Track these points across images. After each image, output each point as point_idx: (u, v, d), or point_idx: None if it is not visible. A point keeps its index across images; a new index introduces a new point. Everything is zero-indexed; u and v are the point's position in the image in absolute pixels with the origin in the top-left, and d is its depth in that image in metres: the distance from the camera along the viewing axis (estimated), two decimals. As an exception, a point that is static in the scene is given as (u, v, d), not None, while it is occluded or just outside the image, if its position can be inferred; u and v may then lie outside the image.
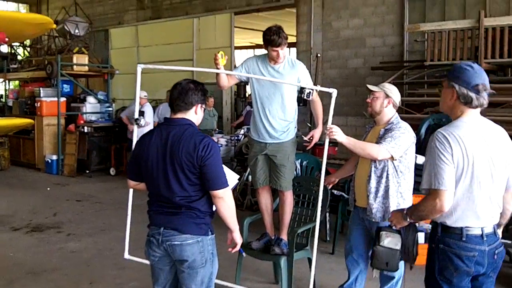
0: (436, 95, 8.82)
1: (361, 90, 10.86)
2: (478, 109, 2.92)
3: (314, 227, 4.47)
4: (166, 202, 3.20)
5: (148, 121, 11.54)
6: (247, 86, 16.03)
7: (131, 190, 4.56)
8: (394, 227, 3.19)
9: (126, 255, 4.62)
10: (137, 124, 4.58)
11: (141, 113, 9.54)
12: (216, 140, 10.63)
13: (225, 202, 3.18)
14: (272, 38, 4.56)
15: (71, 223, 7.79)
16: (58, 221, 7.92)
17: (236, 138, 10.42)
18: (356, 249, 4.56)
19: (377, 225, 4.24)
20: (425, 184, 2.84)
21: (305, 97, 4.44)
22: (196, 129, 3.25)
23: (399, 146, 4.14)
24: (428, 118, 7.27)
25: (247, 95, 16.42)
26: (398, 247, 3.16)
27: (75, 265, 5.94)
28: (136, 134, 4.81)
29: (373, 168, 4.24)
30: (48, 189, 10.62)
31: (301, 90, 4.44)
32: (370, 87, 4.40)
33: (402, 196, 4.17)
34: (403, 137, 4.16)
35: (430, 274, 2.96)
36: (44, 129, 12.40)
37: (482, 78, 2.88)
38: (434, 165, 2.78)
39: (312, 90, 4.42)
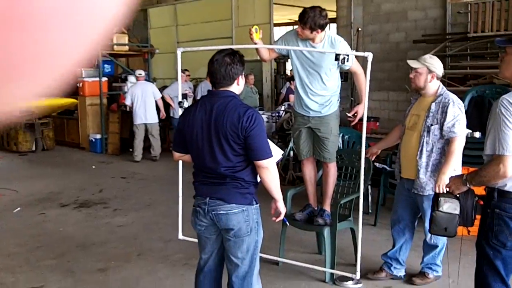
0: (478, 67, 8.67)
1: (402, 64, 10.70)
2: None
3: (357, 198, 4.51)
4: (211, 173, 3.25)
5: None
6: (286, 63, 16.05)
7: (180, 167, 4.66)
8: (452, 193, 3.21)
9: (180, 236, 4.72)
10: (181, 107, 4.65)
11: (184, 96, 9.66)
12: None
13: (269, 172, 3.22)
14: (300, 16, 4.55)
15: (117, 199, 7.99)
16: (104, 197, 8.13)
17: (277, 114, 10.44)
18: (402, 219, 4.60)
19: (425, 197, 4.27)
20: (488, 149, 2.85)
21: (340, 64, 4.41)
22: (239, 101, 3.28)
23: (464, 125, 4.22)
24: (471, 91, 7.16)
25: (287, 71, 16.40)
26: (457, 212, 3.18)
27: (122, 238, 6.11)
28: (178, 113, 4.91)
29: (424, 143, 4.25)
30: (93, 167, 10.87)
31: (336, 58, 4.38)
32: (411, 63, 4.37)
33: (455, 169, 4.18)
34: (462, 115, 4.22)
35: (484, 238, 2.99)
36: (87, 109, 12.62)
37: None
38: (499, 131, 2.78)
39: (347, 55, 4.38)
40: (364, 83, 4.77)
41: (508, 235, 2.88)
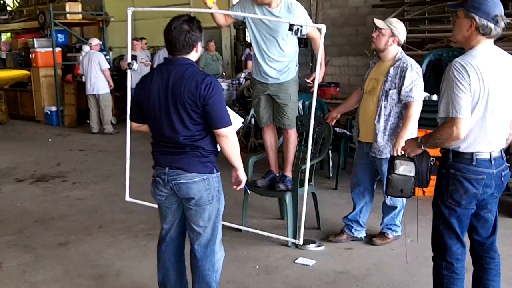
0: (436, 31, 8.76)
1: (362, 29, 10.75)
2: (493, 39, 2.93)
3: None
4: (170, 143, 3.19)
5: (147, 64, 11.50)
6: (246, 29, 15.87)
7: (128, 136, 4.56)
8: (407, 155, 3.25)
9: (127, 198, 4.67)
10: (130, 68, 4.51)
11: (134, 57, 9.44)
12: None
13: (229, 140, 3.18)
14: None
15: (75, 172, 7.85)
16: (62, 170, 7.98)
17: (237, 82, 10.37)
18: (362, 182, 4.67)
19: (383, 160, 4.33)
20: (442, 112, 2.87)
21: (293, 35, 4.37)
22: (197, 68, 3.20)
23: (421, 89, 4.27)
24: (429, 54, 7.26)
25: (247, 38, 16.27)
26: (413, 173, 3.24)
27: (83, 211, 6.02)
28: (130, 79, 4.76)
29: (382, 107, 4.30)
30: (50, 140, 10.64)
31: (290, 28, 4.32)
32: (377, 22, 4.38)
33: (412, 133, 4.24)
34: (420, 79, 4.28)
35: (439, 198, 3.06)
36: (41, 80, 12.27)
37: (499, 8, 2.87)
38: (452, 94, 2.81)
39: (301, 26, 4.33)
40: (322, 48, 4.74)
41: (462, 194, 2.95)
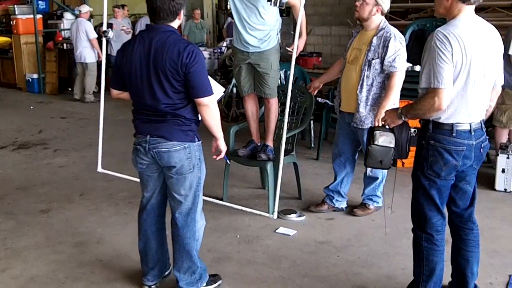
0: (420, 0, 8.73)
1: (344, -2, 10.70)
2: (474, 6, 2.90)
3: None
4: (151, 111, 3.18)
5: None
6: (228, -2, 15.74)
7: (102, 105, 4.50)
8: (387, 126, 3.24)
9: (99, 168, 4.60)
10: (105, 36, 4.43)
11: (109, 25, 9.26)
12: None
13: (210, 109, 3.17)
14: None
15: (57, 139, 7.80)
16: (44, 138, 7.92)
17: (219, 50, 10.29)
18: (343, 152, 4.69)
19: (365, 131, 4.34)
20: (424, 83, 2.85)
21: (272, 5, 4.34)
22: (179, 36, 3.17)
23: (404, 59, 4.27)
24: (412, 24, 7.25)
25: (228, 7, 16.12)
26: (392, 145, 3.21)
27: (64, 179, 6.00)
28: (106, 46, 4.65)
29: (365, 77, 4.29)
30: (31, 107, 10.52)
31: None
32: None
33: (394, 103, 4.25)
34: (403, 49, 4.27)
35: (419, 169, 3.05)
36: (22, 47, 12.04)
37: None
38: (434, 64, 2.78)
39: None
40: (303, 16, 4.72)
41: (442, 166, 2.94)
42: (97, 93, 11.05)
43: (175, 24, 3.19)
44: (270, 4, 4.33)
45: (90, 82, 10.86)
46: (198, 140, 3.30)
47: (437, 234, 3.10)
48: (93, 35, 10.56)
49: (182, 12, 3.19)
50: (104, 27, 4.61)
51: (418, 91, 3.00)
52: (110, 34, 4.45)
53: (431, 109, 2.85)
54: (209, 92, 3.15)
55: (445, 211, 3.17)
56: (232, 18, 12.77)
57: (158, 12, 3.10)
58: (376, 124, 4.13)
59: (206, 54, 10.53)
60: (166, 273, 3.71)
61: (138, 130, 3.30)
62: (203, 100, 3.13)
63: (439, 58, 2.77)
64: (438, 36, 2.80)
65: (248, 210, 4.85)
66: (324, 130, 6.72)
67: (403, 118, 3.11)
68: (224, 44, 10.57)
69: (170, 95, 3.11)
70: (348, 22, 9.78)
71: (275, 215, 4.64)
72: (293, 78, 6.48)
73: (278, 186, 4.58)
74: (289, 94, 4.41)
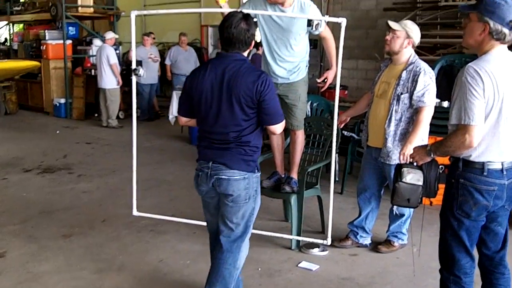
0: (448, 36, 8.69)
1: (372, 32, 10.69)
2: (507, 44, 2.84)
3: (328, 166, 4.47)
4: (217, 138, 3.25)
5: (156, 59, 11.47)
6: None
7: (134, 151, 4.50)
8: (415, 163, 3.17)
9: (135, 212, 4.60)
10: (136, 74, 4.41)
11: (139, 63, 9.35)
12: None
13: (280, 136, 3.35)
14: None
15: (81, 165, 7.85)
16: (69, 162, 7.97)
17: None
18: (369, 188, 4.61)
19: (392, 166, 4.27)
20: (454, 119, 2.78)
21: (313, 29, 4.37)
22: (251, 64, 3.26)
23: (433, 94, 4.20)
24: (441, 60, 7.21)
25: (257, 39, 16.20)
26: (420, 182, 3.13)
27: (87, 204, 6.01)
28: (135, 83, 4.65)
29: (393, 112, 4.23)
30: (58, 132, 10.64)
31: (308, 23, 4.37)
32: (391, 24, 4.30)
33: (422, 139, 4.18)
34: (433, 84, 4.21)
35: (448, 208, 2.96)
36: (51, 72, 12.29)
37: None
38: (465, 100, 2.72)
39: (320, 21, 4.32)
40: (334, 48, 4.72)
41: (472, 206, 2.86)
42: (122, 119, 11.22)
43: (246, 53, 3.27)
44: (311, 29, 4.35)
45: (112, 108, 10.98)
46: (258, 172, 3.35)
47: (466, 277, 3.00)
48: (113, 60, 10.71)
49: (253, 42, 3.27)
50: (134, 65, 4.59)
51: (447, 128, 2.94)
52: (141, 72, 4.43)
53: (461, 147, 2.77)
54: (281, 119, 3.27)
55: (475, 252, 3.07)
56: (257, 49, 12.96)
57: (233, 42, 3.18)
58: (402, 159, 4.05)
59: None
60: None
61: (201, 156, 3.36)
62: (275, 127, 3.26)
63: (470, 94, 2.71)
64: (469, 72, 2.74)
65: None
66: (349, 164, 6.65)
67: (432, 155, 3.03)
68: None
69: (240, 123, 3.18)
70: (375, 56, 9.76)
71: (328, 241, 4.37)
72: (319, 110, 6.52)
73: (330, 215, 4.41)
74: (336, 125, 4.31)
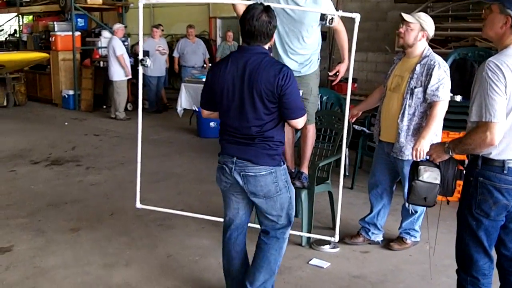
0: (461, 29, 8.57)
1: (382, 24, 10.58)
2: None
3: (338, 161, 4.41)
4: (240, 132, 3.20)
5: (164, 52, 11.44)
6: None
7: (139, 139, 4.49)
8: (432, 161, 3.07)
9: (138, 204, 4.59)
10: (143, 65, 4.37)
11: (146, 53, 9.29)
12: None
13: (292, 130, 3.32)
14: None
15: (89, 157, 7.81)
16: (77, 154, 7.94)
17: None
18: (380, 183, 4.53)
19: (405, 162, 4.19)
20: (474, 116, 2.69)
21: (327, 24, 4.28)
22: (273, 58, 3.21)
23: (448, 88, 4.09)
24: (453, 53, 7.10)
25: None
26: (438, 181, 3.03)
27: (95, 197, 5.97)
28: (142, 75, 4.62)
29: (407, 106, 4.13)
30: (66, 124, 10.62)
31: (322, 18, 4.28)
32: (405, 16, 4.19)
33: (436, 134, 4.10)
34: (447, 78, 4.10)
35: (466, 207, 2.87)
36: (59, 64, 12.28)
37: None
38: (486, 96, 2.62)
39: (334, 15, 4.23)
40: (346, 41, 4.64)
41: (491, 205, 2.77)
42: (130, 111, 11.17)
43: (267, 46, 3.21)
44: (325, 23, 4.27)
45: (119, 100, 10.93)
46: (284, 164, 3.32)
47: (484, 278, 2.91)
48: (120, 51, 10.65)
49: (274, 35, 3.24)
50: (141, 55, 4.53)
51: (463, 122, 2.85)
52: (148, 62, 4.38)
53: (482, 144, 2.68)
54: (302, 113, 3.22)
55: (493, 253, 2.97)
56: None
57: (256, 35, 3.13)
58: (414, 154, 3.97)
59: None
60: None
61: (224, 151, 3.32)
62: (297, 122, 3.22)
63: (491, 90, 2.61)
64: (490, 66, 2.64)
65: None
66: (359, 159, 6.57)
67: (450, 153, 2.94)
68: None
69: (262, 116, 3.14)
70: (385, 49, 9.66)
71: (336, 238, 4.34)
72: (329, 103, 6.43)
73: (339, 212, 4.35)
74: (347, 119, 4.26)
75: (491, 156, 2.75)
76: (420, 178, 3.04)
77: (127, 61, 10.84)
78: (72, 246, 4.62)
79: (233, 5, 4.54)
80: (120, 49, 10.67)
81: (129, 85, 11.40)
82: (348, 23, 4.19)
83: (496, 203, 2.76)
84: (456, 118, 5.26)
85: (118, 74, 10.73)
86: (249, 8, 3.17)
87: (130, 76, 10.88)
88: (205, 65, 12.10)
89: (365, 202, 5.54)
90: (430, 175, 3.03)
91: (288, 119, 3.20)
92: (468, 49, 7.23)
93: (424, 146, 3.95)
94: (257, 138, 3.17)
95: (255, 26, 3.09)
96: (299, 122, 3.23)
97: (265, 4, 3.23)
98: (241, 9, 4.59)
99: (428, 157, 3.12)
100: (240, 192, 3.33)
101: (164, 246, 4.63)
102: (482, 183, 2.78)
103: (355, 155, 6.61)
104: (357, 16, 3.91)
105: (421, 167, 3.06)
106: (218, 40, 14.96)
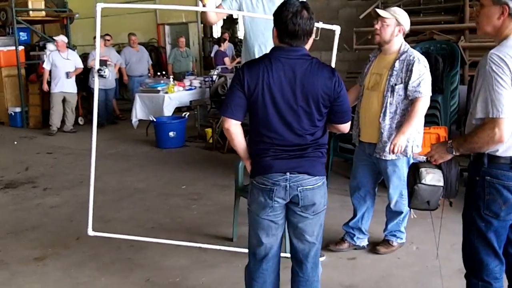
0: (415, 23, 8.54)
1: (334, 23, 10.45)
2: None
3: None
4: (289, 144, 2.83)
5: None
6: (213, 26, 15.46)
7: (93, 148, 4.22)
8: (433, 162, 2.90)
9: (90, 232, 4.31)
10: (100, 75, 4.10)
11: (103, 63, 8.93)
12: (189, 83, 10.23)
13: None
14: None
15: (45, 177, 7.40)
16: (32, 175, 7.51)
17: (210, 79, 10.01)
18: (363, 186, 4.37)
19: (388, 162, 4.06)
20: (480, 113, 2.53)
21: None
22: (318, 60, 2.85)
23: (429, 83, 3.99)
24: (415, 48, 7.02)
25: (214, 34, 15.91)
26: (441, 183, 2.85)
27: (57, 221, 5.60)
28: (98, 85, 4.36)
29: (388, 104, 3.98)
30: (15, 142, 10.11)
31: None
32: (380, 12, 4.06)
33: (419, 131, 3.98)
34: (427, 73, 3.99)
35: (474, 209, 2.72)
36: (4, 80, 11.69)
37: None
38: (491, 91, 2.46)
39: (317, 28, 4.04)
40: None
41: (501, 205, 2.63)
42: (82, 125, 10.82)
43: (307, 45, 2.89)
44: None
45: (51, 112, 10.78)
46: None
47: (496, 282, 2.76)
48: (44, 64, 10.54)
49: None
50: (97, 65, 4.27)
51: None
52: (106, 72, 4.13)
53: (490, 142, 2.52)
54: (351, 116, 3.03)
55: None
56: (219, 45, 12.67)
57: (300, 35, 2.78)
58: (394, 149, 3.84)
59: (196, 82, 10.26)
60: None
61: (270, 169, 2.86)
62: (345, 126, 3.00)
63: (496, 84, 2.46)
64: (493, 59, 2.49)
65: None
66: (331, 160, 6.42)
67: (453, 153, 2.76)
68: (215, 72, 10.30)
69: (316, 123, 2.85)
70: (344, 46, 9.59)
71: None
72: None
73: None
74: None
75: (498, 154, 2.61)
76: (423, 181, 2.85)
77: (46, 74, 10.59)
78: (40, 278, 4.27)
79: (203, 13, 4.35)
80: (45, 62, 10.51)
81: (79, 98, 10.98)
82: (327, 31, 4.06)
83: (506, 202, 2.62)
84: (430, 112, 5.17)
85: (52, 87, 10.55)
86: (285, 5, 2.79)
87: (46, 89, 10.66)
88: (149, 73, 11.87)
89: (342, 205, 5.40)
90: (433, 177, 2.85)
91: (339, 123, 2.93)
92: (430, 42, 7.22)
93: (403, 142, 3.86)
94: (311, 147, 2.84)
95: (299, 24, 2.74)
96: (347, 126, 2.99)
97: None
98: (212, 17, 4.38)
99: (428, 158, 2.94)
100: (282, 214, 2.96)
101: (139, 270, 4.34)
102: (490, 182, 2.64)
103: (327, 156, 6.44)
104: (337, 28, 3.77)
105: (422, 169, 2.88)
106: (168, 47, 14.67)
